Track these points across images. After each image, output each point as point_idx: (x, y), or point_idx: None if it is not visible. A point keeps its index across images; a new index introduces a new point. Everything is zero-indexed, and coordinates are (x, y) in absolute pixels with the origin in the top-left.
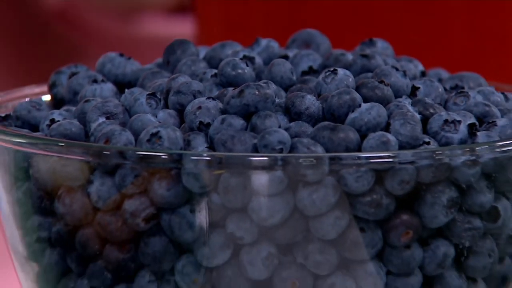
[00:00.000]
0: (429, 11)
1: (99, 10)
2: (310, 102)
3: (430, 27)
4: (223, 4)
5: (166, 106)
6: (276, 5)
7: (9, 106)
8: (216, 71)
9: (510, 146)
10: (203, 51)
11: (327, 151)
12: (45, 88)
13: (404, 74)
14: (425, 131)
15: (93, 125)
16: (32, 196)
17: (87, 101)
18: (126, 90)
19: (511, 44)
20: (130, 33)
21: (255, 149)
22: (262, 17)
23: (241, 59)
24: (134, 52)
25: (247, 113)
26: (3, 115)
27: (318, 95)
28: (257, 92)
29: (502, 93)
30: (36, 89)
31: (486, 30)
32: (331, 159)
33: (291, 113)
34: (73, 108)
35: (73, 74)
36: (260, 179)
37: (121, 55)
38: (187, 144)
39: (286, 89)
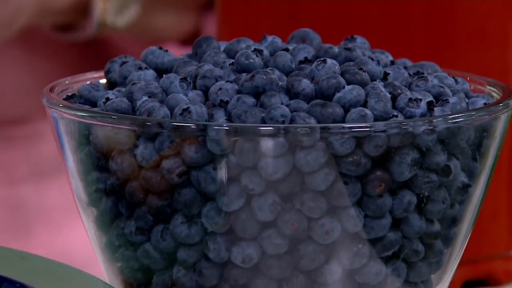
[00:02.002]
0: (396, 15)
1: (129, 40)
2: (305, 85)
3: (397, 27)
4: (241, 14)
5: (194, 87)
6: (279, 12)
7: (75, 88)
8: (233, 60)
9: (459, 118)
10: (223, 45)
11: (319, 122)
12: (102, 74)
13: (378, 63)
14: (394, 107)
15: (138, 102)
16: (91, 157)
17: (134, 84)
18: (164, 75)
19: (460, 40)
20: None
21: (263, 121)
22: (268, 21)
23: (252, 51)
24: None
25: (257, 93)
26: (70, 94)
27: (312, 79)
28: (264, 77)
29: (453, 78)
30: (95, 75)
31: (440, 30)
32: (322, 128)
33: (291, 93)
34: (123, 89)
35: (123, 63)
36: (267, 144)
37: (160, 48)
38: (211, 117)
39: (287, 74)
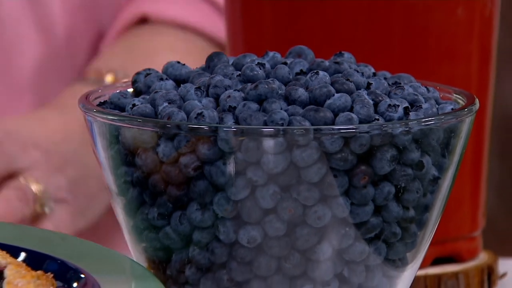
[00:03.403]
0: (378, 35)
1: None
2: (301, 93)
3: (379, 45)
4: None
5: (207, 95)
6: (279, 32)
7: (106, 96)
8: (240, 72)
9: (430, 121)
10: (231, 59)
11: (312, 124)
12: (129, 84)
13: (362, 74)
14: (376, 111)
15: (160, 108)
16: (120, 154)
17: (156, 92)
18: (182, 85)
19: (431, 56)
20: None
21: (265, 123)
22: (270, 39)
23: (256, 64)
24: None
25: (260, 100)
26: (102, 101)
27: (306, 88)
28: (266, 86)
29: (425, 87)
30: (124, 85)
31: (415, 48)
32: (315, 130)
33: (289, 100)
34: (147, 97)
35: (147, 75)
36: (268, 143)
37: (178, 62)
38: (221, 120)
39: (285, 84)
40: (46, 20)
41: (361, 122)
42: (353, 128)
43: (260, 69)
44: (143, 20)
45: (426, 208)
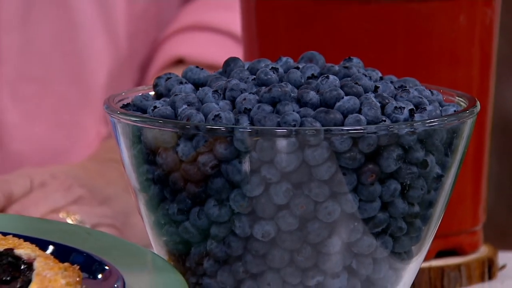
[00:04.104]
0: (385, 41)
1: None
2: (312, 96)
3: (386, 50)
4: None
5: (224, 98)
6: (291, 39)
7: (129, 98)
8: (254, 76)
9: (434, 123)
10: (247, 64)
11: (323, 125)
12: (151, 87)
13: (370, 78)
14: (383, 113)
15: (180, 110)
16: (142, 153)
17: (176, 95)
18: (200, 88)
19: (435, 61)
20: None
21: (279, 124)
22: (283, 45)
23: (270, 69)
24: None
25: (274, 102)
26: (125, 103)
27: (317, 91)
28: (280, 90)
29: (429, 90)
30: (145, 88)
31: (420, 53)
32: (325, 131)
33: (301, 102)
34: (168, 99)
35: (168, 79)
36: (282, 143)
37: (197, 67)
38: (237, 121)
39: (297, 87)
40: (112, 26)
41: (369, 123)
42: (361, 129)
43: (274, 73)
44: (180, 61)
45: (430, 204)
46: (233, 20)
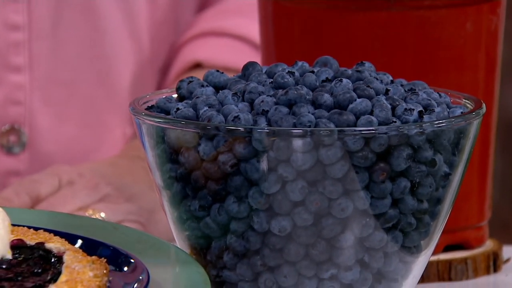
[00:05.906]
0: (395, 46)
1: None
2: (326, 98)
3: (396, 55)
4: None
5: (243, 100)
6: (307, 44)
7: (153, 101)
8: (272, 80)
9: (442, 124)
10: (264, 68)
11: (336, 126)
12: (174, 90)
13: (381, 82)
14: (393, 114)
15: (201, 111)
16: (165, 152)
17: (197, 97)
18: (220, 91)
19: (443, 65)
20: None
21: (295, 125)
22: (299, 50)
23: (286, 73)
24: None
25: (290, 104)
26: (150, 105)
27: (331, 94)
28: (296, 92)
29: (438, 93)
30: (169, 91)
31: (429, 58)
32: (339, 131)
33: (316, 104)
34: (190, 101)
35: (190, 82)
36: (297, 143)
37: (217, 71)
38: (255, 122)
39: (312, 90)
40: (136, 32)
41: (380, 124)
42: (373, 130)
43: (290, 77)
44: (198, 65)
45: (438, 201)
46: (249, 26)
